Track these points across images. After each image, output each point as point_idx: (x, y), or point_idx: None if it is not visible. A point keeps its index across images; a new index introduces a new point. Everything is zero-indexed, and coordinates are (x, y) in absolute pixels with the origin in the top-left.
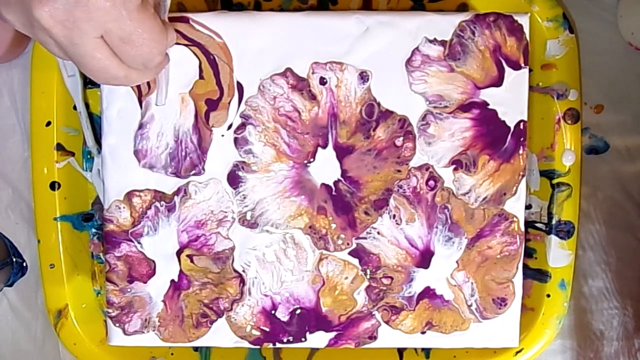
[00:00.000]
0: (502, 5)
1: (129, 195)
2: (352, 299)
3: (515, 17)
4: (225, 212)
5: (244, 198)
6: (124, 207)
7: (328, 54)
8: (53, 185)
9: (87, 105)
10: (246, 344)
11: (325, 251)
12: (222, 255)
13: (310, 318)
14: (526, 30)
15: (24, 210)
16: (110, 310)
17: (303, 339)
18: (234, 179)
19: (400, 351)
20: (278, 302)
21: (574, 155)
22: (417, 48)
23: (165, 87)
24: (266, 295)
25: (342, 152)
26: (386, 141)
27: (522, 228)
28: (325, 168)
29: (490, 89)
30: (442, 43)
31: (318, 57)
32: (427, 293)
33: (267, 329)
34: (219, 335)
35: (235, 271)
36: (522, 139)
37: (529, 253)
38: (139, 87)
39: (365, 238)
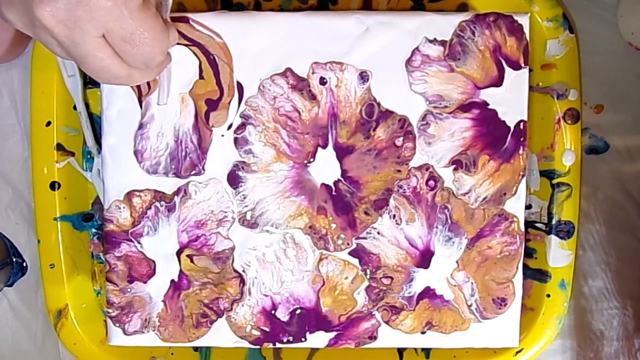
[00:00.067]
0: (502, 5)
1: (129, 195)
2: (352, 299)
3: (515, 17)
4: (225, 212)
5: (244, 198)
6: (124, 207)
7: (328, 54)
8: (53, 185)
9: (87, 105)
10: (246, 344)
11: (325, 251)
12: (222, 255)
13: (310, 318)
14: (526, 30)
15: (24, 210)
16: (110, 310)
17: (303, 339)
18: (234, 179)
19: (400, 351)
20: (278, 302)
21: (574, 155)
22: (417, 48)
23: (167, 86)
24: (266, 295)
25: (342, 152)
26: (386, 141)
27: (522, 228)
28: (325, 168)
29: (490, 89)
30: (442, 43)
31: (318, 57)
32: (427, 293)
33: (267, 329)
34: (219, 335)
35: (235, 271)
36: (522, 139)
37: (529, 253)
38: (139, 87)
39: (365, 238)
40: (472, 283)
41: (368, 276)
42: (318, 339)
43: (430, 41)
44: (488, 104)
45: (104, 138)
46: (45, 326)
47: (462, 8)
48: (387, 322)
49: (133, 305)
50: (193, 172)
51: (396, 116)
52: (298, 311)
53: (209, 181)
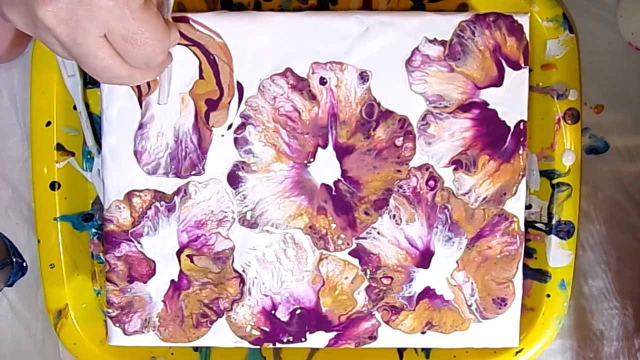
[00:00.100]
0: (502, 5)
1: (129, 195)
2: (352, 299)
3: (515, 17)
4: (225, 212)
5: (244, 198)
6: (124, 207)
7: (328, 54)
8: (53, 185)
9: (87, 105)
10: (246, 344)
11: (325, 251)
12: (222, 255)
13: (310, 318)
14: (526, 30)
15: (24, 210)
16: (110, 310)
17: (303, 339)
18: (234, 179)
19: (400, 351)
20: (278, 302)
21: (574, 155)
22: (417, 48)
23: (168, 86)
24: (266, 295)
25: (342, 152)
26: (386, 141)
27: (522, 228)
28: (325, 168)
29: (490, 89)
30: (442, 43)
31: (318, 57)
32: (427, 293)
33: (267, 329)
34: (219, 335)
35: (235, 271)
36: (522, 139)
37: (529, 253)
38: (139, 87)
39: (365, 238)
40: (472, 283)
41: (368, 276)
42: (318, 339)
43: (430, 41)
44: (488, 104)
45: (104, 138)
46: (45, 326)
47: (462, 8)
48: (387, 322)
49: (133, 305)
50: (193, 172)
51: (396, 116)
52: (298, 311)
53: (209, 181)
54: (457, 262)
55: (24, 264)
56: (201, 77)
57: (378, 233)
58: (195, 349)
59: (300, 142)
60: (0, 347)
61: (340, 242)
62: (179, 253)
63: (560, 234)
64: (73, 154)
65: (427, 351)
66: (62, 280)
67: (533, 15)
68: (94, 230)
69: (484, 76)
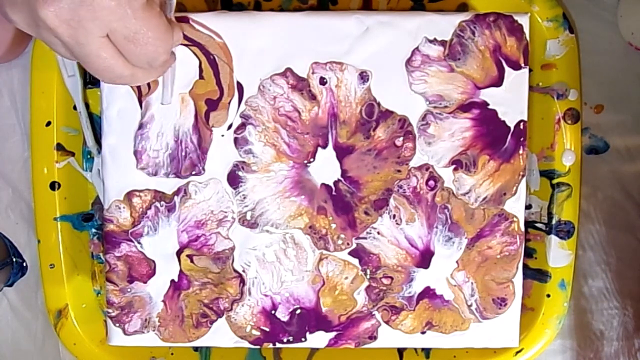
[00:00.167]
0: (502, 5)
1: (129, 195)
2: (352, 299)
3: (515, 17)
4: (225, 212)
5: (244, 198)
6: (124, 207)
7: (328, 54)
8: (53, 185)
9: (87, 105)
10: (246, 344)
11: (325, 251)
12: (222, 255)
13: (310, 318)
14: (526, 30)
15: (24, 210)
16: (110, 310)
17: (303, 339)
18: (234, 179)
19: (400, 351)
20: (278, 302)
21: (574, 155)
22: (417, 48)
23: (172, 85)
24: (266, 295)
25: (342, 152)
26: (386, 141)
27: (522, 228)
28: (325, 168)
29: (490, 89)
30: (442, 43)
31: (318, 57)
32: (427, 293)
33: (267, 329)
34: (219, 335)
35: (235, 271)
36: (522, 139)
37: (529, 253)
38: (139, 87)
39: (365, 238)
40: (472, 283)
41: (368, 276)
42: (318, 339)
43: (430, 41)
44: (488, 104)
45: (104, 138)
46: (45, 326)
47: (462, 8)
48: (387, 322)
49: (133, 305)
50: (193, 172)
51: (396, 116)
52: (298, 311)
53: (209, 181)
54: (457, 262)
55: (24, 264)
56: (201, 77)
57: (378, 233)
58: (195, 349)
59: (300, 142)
60: (0, 347)
61: (340, 242)
62: (179, 253)
63: (560, 234)
64: (73, 154)
65: (427, 351)
66: (62, 280)
67: (533, 15)
68: (94, 230)
69: (484, 76)
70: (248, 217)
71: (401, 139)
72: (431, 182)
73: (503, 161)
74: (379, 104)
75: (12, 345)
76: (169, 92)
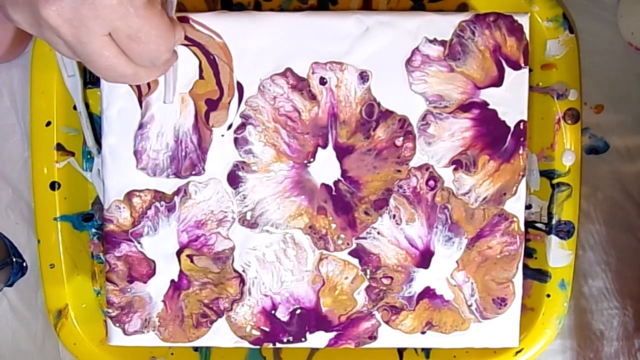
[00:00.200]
0: (502, 5)
1: (129, 195)
2: (352, 299)
3: (515, 17)
4: (225, 212)
5: (244, 198)
6: (124, 207)
7: (328, 54)
8: (53, 185)
9: (87, 105)
10: (246, 344)
11: (325, 251)
12: (222, 255)
13: (310, 318)
14: (526, 30)
15: (24, 210)
16: (110, 310)
17: (303, 339)
18: (234, 179)
19: (400, 351)
20: (278, 302)
21: (574, 155)
22: (417, 48)
23: (174, 84)
24: (266, 295)
25: (342, 152)
26: (386, 141)
27: (522, 228)
28: (325, 168)
29: (490, 89)
30: (442, 43)
31: (318, 57)
32: (427, 293)
33: (267, 329)
34: (219, 335)
35: (235, 271)
36: (522, 139)
37: (529, 253)
38: (139, 87)
39: (365, 238)
40: (472, 283)
41: (368, 276)
42: (318, 339)
43: (430, 41)
44: (488, 104)
45: (104, 138)
46: (45, 326)
47: (462, 8)
48: (387, 322)
49: (133, 305)
50: (193, 172)
51: (396, 116)
52: (298, 311)
53: (209, 181)
54: (457, 262)
55: (24, 264)
56: (201, 77)
57: (378, 233)
58: (195, 349)
59: (300, 142)
60: (0, 347)
61: (340, 242)
62: (179, 253)
63: (560, 234)
64: (73, 154)
65: (427, 351)
66: (62, 280)
67: (533, 15)
68: (94, 230)
69: (484, 76)
70: (248, 217)
71: (401, 139)
72: (431, 182)
73: (503, 161)
74: (379, 104)
75: (12, 345)
76: (171, 90)
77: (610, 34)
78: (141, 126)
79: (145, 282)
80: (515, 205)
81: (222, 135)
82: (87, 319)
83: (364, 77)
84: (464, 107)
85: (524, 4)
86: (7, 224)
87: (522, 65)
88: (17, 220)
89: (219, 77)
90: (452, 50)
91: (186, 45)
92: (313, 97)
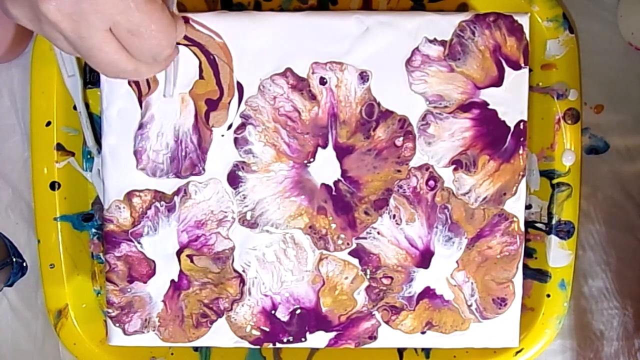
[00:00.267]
0: (502, 5)
1: (129, 195)
2: (352, 299)
3: (515, 17)
4: (225, 212)
5: (244, 198)
6: (124, 207)
7: (328, 54)
8: (53, 185)
9: (87, 105)
10: (246, 344)
11: (325, 251)
12: (222, 255)
13: (310, 318)
14: (526, 30)
15: (24, 210)
16: (110, 310)
17: (303, 339)
18: (234, 179)
19: (400, 351)
20: (278, 302)
21: (574, 155)
22: (417, 48)
23: (174, 78)
24: (266, 295)
25: (342, 152)
26: (386, 141)
27: (522, 228)
28: (325, 168)
29: (490, 89)
30: (442, 43)
31: (318, 57)
32: (427, 293)
33: (267, 329)
34: (219, 335)
35: (235, 271)
36: (522, 139)
37: (529, 253)
38: (139, 86)
39: (365, 238)
40: (472, 283)
41: (368, 276)
42: (318, 339)
43: (430, 41)
44: (488, 104)
45: (104, 138)
46: (45, 326)
47: (462, 8)
48: (387, 322)
49: (133, 305)
50: (193, 172)
51: (396, 116)
52: (298, 311)
53: (209, 181)
54: (457, 262)
55: (24, 264)
56: (201, 77)
57: (378, 233)
58: (195, 349)
59: (300, 142)
60: (0, 347)
61: (340, 242)
62: (179, 253)
63: (560, 234)
64: (73, 154)
65: (427, 351)
66: (62, 280)
67: (533, 15)
68: (94, 230)
69: (484, 76)
70: (248, 217)
71: (401, 139)
72: (431, 182)
73: (503, 161)
74: (379, 104)
75: (12, 345)
76: (172, 84)
77: (610, 34)
78: (141, 126)
79: (145, 282)
80: (515, 205)
81: (222, 135)
82: (87, 319)
83: (364, 77)
84: (464, 107)
85: (524, 4)
86: (7, 224)
87: (522, 65)
88: (17, 220)
89: (219, 77)
90: (452, 50)
91: (186, 45)
92: (313, 97)
